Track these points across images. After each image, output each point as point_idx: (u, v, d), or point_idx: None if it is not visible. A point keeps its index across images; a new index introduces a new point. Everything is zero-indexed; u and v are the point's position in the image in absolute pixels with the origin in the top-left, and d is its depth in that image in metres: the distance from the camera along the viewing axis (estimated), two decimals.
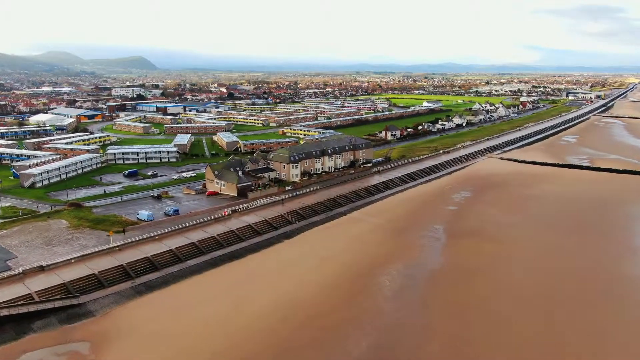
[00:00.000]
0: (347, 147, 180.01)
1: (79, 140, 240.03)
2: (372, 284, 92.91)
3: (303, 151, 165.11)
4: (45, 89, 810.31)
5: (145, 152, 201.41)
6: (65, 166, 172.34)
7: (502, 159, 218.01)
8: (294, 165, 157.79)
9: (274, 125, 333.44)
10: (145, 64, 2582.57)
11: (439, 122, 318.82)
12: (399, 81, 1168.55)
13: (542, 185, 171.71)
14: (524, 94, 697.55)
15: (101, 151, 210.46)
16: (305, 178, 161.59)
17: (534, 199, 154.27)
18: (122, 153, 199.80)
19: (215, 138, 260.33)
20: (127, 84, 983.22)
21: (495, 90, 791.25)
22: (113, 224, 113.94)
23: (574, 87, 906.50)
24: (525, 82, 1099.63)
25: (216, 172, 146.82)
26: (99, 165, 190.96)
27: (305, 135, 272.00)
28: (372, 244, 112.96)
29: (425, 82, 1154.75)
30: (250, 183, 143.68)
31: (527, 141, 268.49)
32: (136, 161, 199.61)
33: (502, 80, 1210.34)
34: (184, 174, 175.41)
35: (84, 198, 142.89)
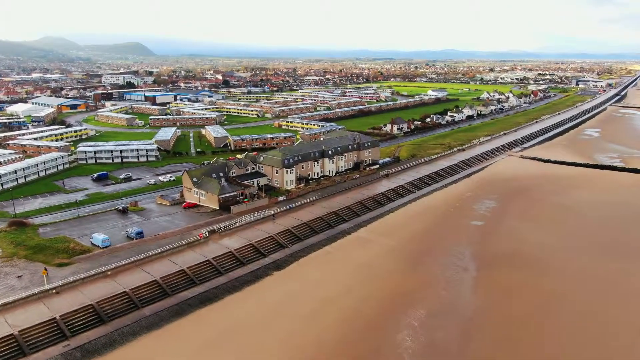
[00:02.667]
0: (350, 147, 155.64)
1: (50, 135, 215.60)
2: (387, 343, 69.87)
3: (299, 153, 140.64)
4: (35, 75, 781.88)
5: (121, 150, 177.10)
6: (24, 168, 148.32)
7: (523, 157, 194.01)
8: (288, 170, 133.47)
9: (269, 116, 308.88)
10: (143, 50, 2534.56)
11: (449, 114, 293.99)
12: (401, 68, 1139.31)
13: (576, 192, 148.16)
14: (531, 82, 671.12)
15: (72, 148, 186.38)
16: (301, 185, 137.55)
17: (571, 211, 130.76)
18: (94, 151, 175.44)
19: (203, 132, 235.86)
20: (121, 70, 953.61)
21: (501, 78, 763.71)
22: (57, 253, 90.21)
23: (580, 74, 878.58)
24: (530, 70, 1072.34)
25: (195, 180, 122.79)
26: (66, 166, 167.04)
27: (303, 128, 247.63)
28: (384, 278, 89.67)
29: (427, 69, 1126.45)
30: (234, 193, 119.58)
31: (546, 135, 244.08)
32: (110, 160, 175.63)
33: (505, 68, 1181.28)
34: (161, 178, 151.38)
35: (37, 211, 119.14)
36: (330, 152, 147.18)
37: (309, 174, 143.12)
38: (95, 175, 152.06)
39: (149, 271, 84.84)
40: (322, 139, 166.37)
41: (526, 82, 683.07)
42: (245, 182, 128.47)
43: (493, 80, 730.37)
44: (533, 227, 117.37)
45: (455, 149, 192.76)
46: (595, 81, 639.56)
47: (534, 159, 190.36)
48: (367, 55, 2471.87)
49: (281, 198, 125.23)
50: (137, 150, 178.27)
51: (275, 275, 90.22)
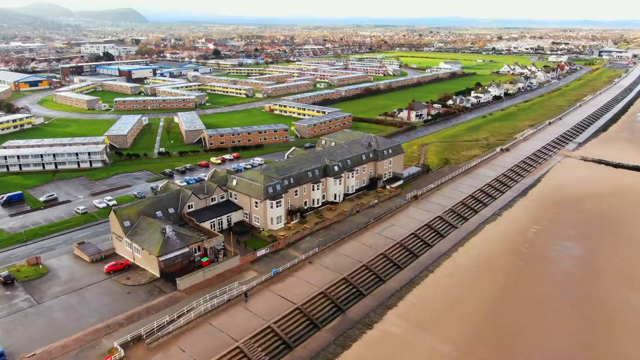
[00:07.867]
0: (364, 157, 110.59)
1: None
2: None
3: (290, 173, 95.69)
4: (13, 44, 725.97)
5: (55, 154, 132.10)
6: None
7: (584, 159, 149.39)
8: (274, 202, 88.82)
9: (260, 95, 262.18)
10: (136, 17, 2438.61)
11: (473, 94, 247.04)
12: (404, 36, 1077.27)
13: None
14: (548, 52, 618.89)
15: None
16: (294, 221, 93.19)
17: None
18: (18, 156, 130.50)
19: (176, 120, 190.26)
20: (109, 38, 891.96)
21: (514, 47, 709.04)
22: None
23: (594, 43, 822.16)
24: (540, 38, 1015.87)
25: (127, 224, 78.60)
26: None
27: (299, 114, 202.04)
28: None
29: (432, 37, 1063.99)
30: (185, 250, 75.13)
31: (599, 124, 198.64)
32: (41, 167, 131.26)
33: (514, 36, 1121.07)
34: (96, 202, 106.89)
35: None
36: (336, 167, 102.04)
37: (306, 202, 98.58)
38: (5, 198, 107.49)
39: None
40: (323, 142, 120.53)
41: (542, 52, 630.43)
42: (206, 225, 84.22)
43: (506, 50, 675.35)
44: None
45: (497, 149, 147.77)
46: (620, 52, 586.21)
47: (599, 162, 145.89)
48: (367, 22, 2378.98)
49: (261, 252, 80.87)
50: (77, 154, 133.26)
51: None
